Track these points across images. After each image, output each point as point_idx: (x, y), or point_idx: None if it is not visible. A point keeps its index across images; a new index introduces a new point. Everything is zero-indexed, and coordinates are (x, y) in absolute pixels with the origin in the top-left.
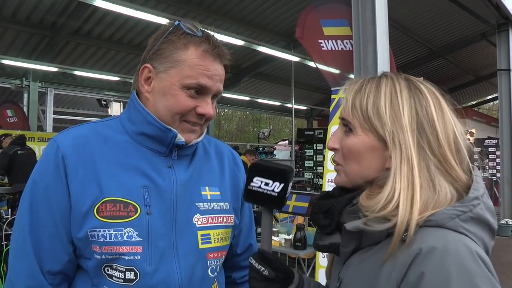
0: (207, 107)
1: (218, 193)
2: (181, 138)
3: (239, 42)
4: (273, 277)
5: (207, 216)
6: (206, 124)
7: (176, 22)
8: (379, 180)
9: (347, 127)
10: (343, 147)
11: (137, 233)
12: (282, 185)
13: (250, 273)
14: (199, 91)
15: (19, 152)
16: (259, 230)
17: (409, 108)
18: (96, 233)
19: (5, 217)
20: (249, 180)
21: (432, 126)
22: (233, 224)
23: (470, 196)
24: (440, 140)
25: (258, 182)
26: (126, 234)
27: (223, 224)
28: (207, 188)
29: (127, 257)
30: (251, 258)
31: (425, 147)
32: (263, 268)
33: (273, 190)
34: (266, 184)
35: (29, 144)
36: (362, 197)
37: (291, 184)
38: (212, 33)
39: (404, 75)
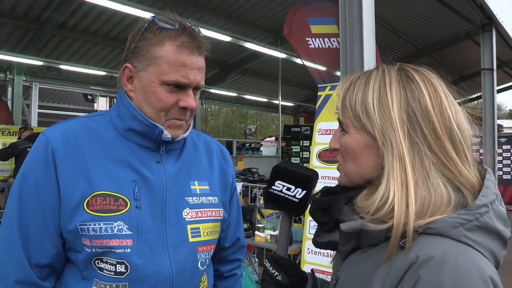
0: (189, 99)
1: (207, 187)
2: (167, 134)
3: (226, 38)
4: (286, 283)
5: (196, 210)
6: (191, 118)
7: (151, 18)
8: (376, 180)
9: (342, 127)
10: (341, 146)
11: (127, 226)
12: (304, 192)
13: (263, 276)
14: (179, 85)
15: (28, 149)
16: (245, 226)
17: (399, 101)
18: (86, 226)
19: None
20: (271, 183)
21: (426, 118)
22: (221, 218)
23: (477, 203)
24: (437, 133)
25: (279, 186)
26: (116, 227)
27: (212, 218)
28: (196, 182)
29: (117, 250)
30: (266, 261)
31: (419, 141)
32: (277, 273)
33: (294, 196)
34: (288, 189)
35: (13, 138)
36: (359, 198)
37: (314, 190)
38: (189, 24)
39: (398, 65)
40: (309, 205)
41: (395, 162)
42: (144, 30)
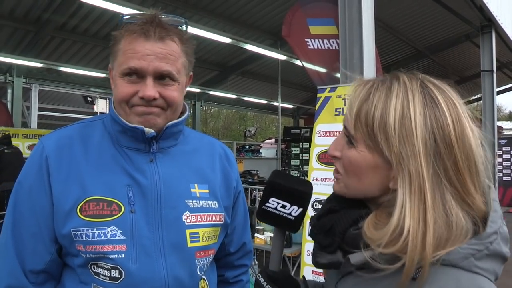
0: (146, 89)
1: (207, 190)
2: (149, 130)
3: (226, 40)
4: None
5: (196, 214)
6: (171, 109)
7: (120, 17)
8: (384, 203)
9: (349, 138)
10: (344, 158)
11: (121, 231)
12: (300, 209)
13: None
14: (137, 75)
15: (6, 151)
16: None
17: (423, 127)
18: (79, 232)
19: None
20: (264, 199)
21: (449, 150)
22: (222, 222)
23: (488, 231)
24: (459, 166)
25: (274, 203)
26: (110, 233)
27: (212, 222)
28: (196, 185)
29: (111, 256)
30: (259, 276)
31: (441, 174)
32: None
33: (290, 214)
34: (283, 206)
35: (13, 140)
36: (367, 225)
37: (309, 205)
38: (153, 14)
39: (421, 80)
40: (310, 229)
41: (413, 193)
42: (116, 30)
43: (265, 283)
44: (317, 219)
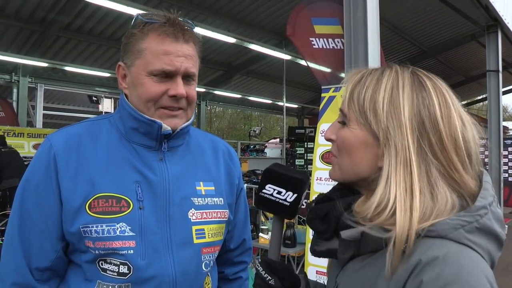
0: (178, 87)
1: (213, 188)
2: (167, 127)
3: (231, 40)
4: (279, 287)
5: (201, 211)
6: (190, 108)
7: (136, 15)
8: (373, 182)
9: (343, 119)
10: (338, 138)
11: (130, 227)
12: (295, 195)
13: (256, 280)
14: (167, 74)
15: (3, 150)
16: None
17: (410, 105)
18: (88, 228)
19: None
20: (261, 186)
21: (434, 127)
22: (227, 219)
23: (477, 205)
24: (444, 143)
25: (270, 189)
26: (119, 229)
27: (217, 219)
28: (201, 183)
29: (120, 252)
30: (258, 265)
31: (427, 149)
32: (269, 277)
33: (285, 200)
34: (279, 192)
35: (18, 139)
36: (357, 203)
37: (305, 193)
38: (174, 16)
39: (412, 68)
40: (307, 214)
41: (398, 166)
42: (131, 27)
43: (263, 271)
44: (314, 205)
